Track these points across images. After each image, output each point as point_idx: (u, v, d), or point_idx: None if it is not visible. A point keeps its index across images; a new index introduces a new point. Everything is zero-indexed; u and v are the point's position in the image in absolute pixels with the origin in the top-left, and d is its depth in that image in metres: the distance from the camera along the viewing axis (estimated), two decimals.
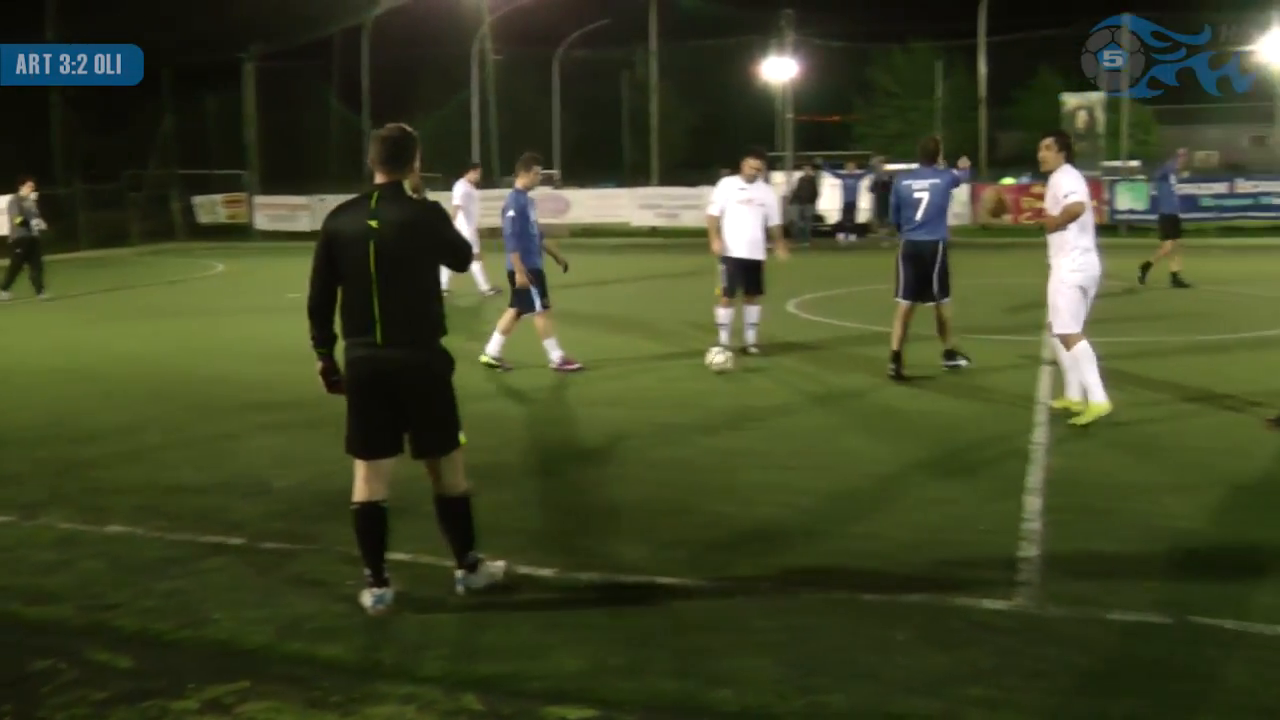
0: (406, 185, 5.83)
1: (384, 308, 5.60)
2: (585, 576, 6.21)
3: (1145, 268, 20.37)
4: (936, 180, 12.01)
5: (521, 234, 12.15)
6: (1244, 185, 34.81)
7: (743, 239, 13.07)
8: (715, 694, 4.79)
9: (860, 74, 68.03)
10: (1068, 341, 9.73)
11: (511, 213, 12.16)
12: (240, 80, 42.17)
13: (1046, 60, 64.07)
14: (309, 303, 5.83)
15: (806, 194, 34.23)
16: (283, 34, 42.74)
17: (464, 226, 18.79)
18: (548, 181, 43.39)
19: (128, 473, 8.71)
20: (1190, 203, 33.45)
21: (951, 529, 6.96)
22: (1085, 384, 9.64)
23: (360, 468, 5.80)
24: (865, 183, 35.28)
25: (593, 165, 55.38)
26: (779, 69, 48.64)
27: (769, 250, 13.38)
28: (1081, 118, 42.26)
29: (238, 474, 8.49)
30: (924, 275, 12.01)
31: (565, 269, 13.20)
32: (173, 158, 44.68)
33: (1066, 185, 9.71)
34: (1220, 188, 35.68)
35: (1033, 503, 7.41)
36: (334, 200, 41.68)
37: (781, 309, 17.35)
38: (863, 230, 35.65)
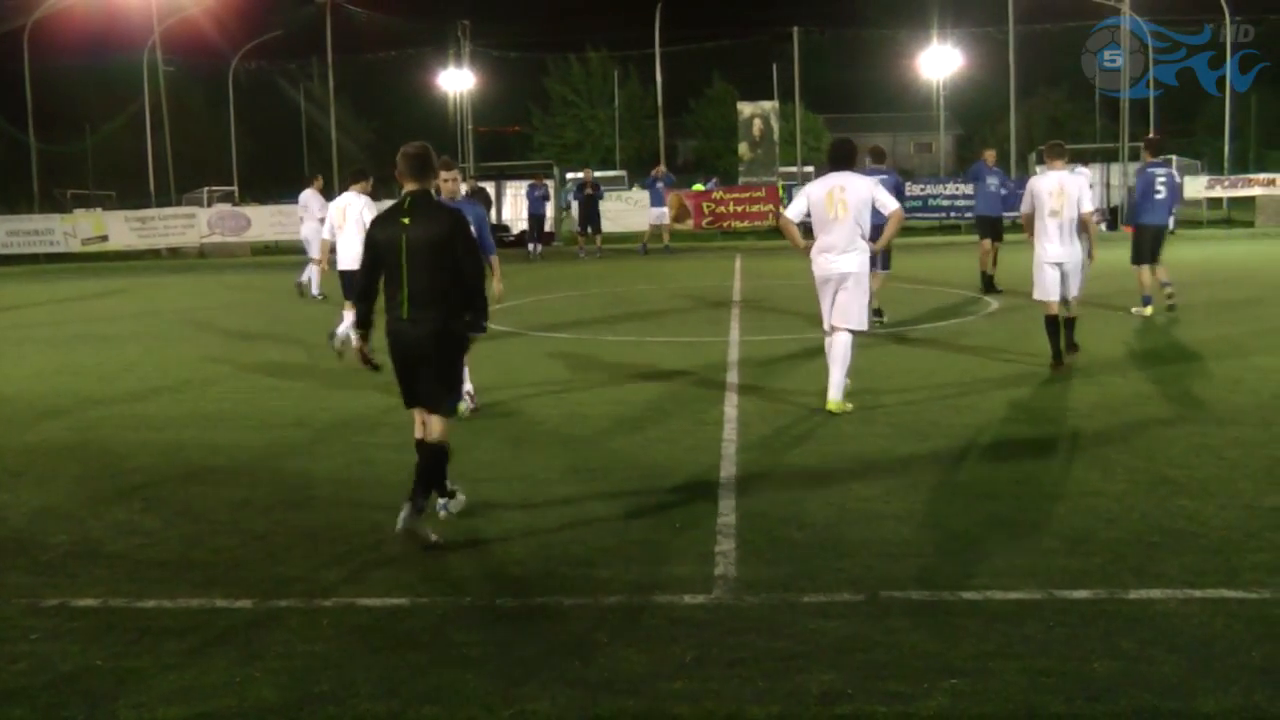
0: (432, 190, 7.26)
1: (410, 290, 6.95)
2: (283, 604, 6.03)
3: (985, 278, 19.44)
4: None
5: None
6: (914, 188, 37.01)
7: (349, 252, 13.13)
8: (422, 711, 4.74)
9: (538, 84, 68.81)
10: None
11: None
12: None
13: (721, 69, 66.37)
14: (356, 290, 7.35)
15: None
16: None
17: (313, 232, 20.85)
18: (227, 199, 42.11)
19: None
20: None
21: (648, 529, 7.10)
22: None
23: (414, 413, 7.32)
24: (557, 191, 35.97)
25: (272, 181, 53.84)
26: (456, 80, 48.72)
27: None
28: (757, 125, 43.82)
29: None
30: None
31: None
32: None
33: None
34: None
35: (726, 497, 7.63)
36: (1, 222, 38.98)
37: None
38: (549, 239, 36.28)
